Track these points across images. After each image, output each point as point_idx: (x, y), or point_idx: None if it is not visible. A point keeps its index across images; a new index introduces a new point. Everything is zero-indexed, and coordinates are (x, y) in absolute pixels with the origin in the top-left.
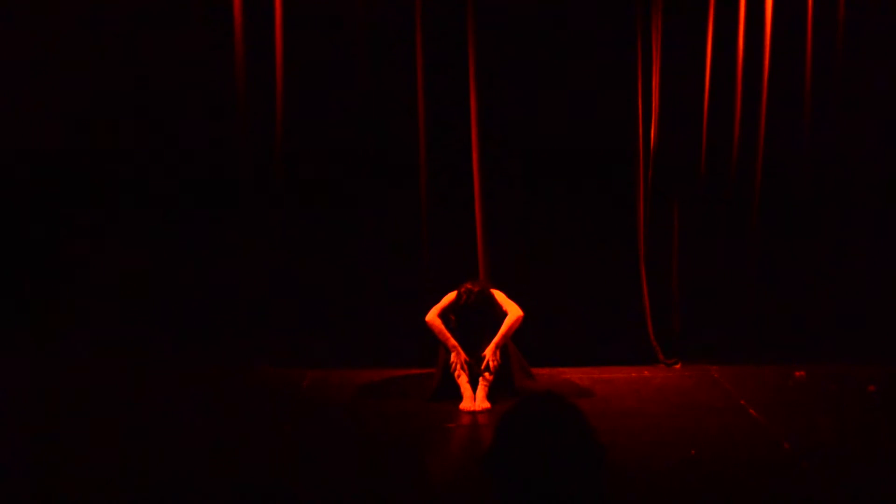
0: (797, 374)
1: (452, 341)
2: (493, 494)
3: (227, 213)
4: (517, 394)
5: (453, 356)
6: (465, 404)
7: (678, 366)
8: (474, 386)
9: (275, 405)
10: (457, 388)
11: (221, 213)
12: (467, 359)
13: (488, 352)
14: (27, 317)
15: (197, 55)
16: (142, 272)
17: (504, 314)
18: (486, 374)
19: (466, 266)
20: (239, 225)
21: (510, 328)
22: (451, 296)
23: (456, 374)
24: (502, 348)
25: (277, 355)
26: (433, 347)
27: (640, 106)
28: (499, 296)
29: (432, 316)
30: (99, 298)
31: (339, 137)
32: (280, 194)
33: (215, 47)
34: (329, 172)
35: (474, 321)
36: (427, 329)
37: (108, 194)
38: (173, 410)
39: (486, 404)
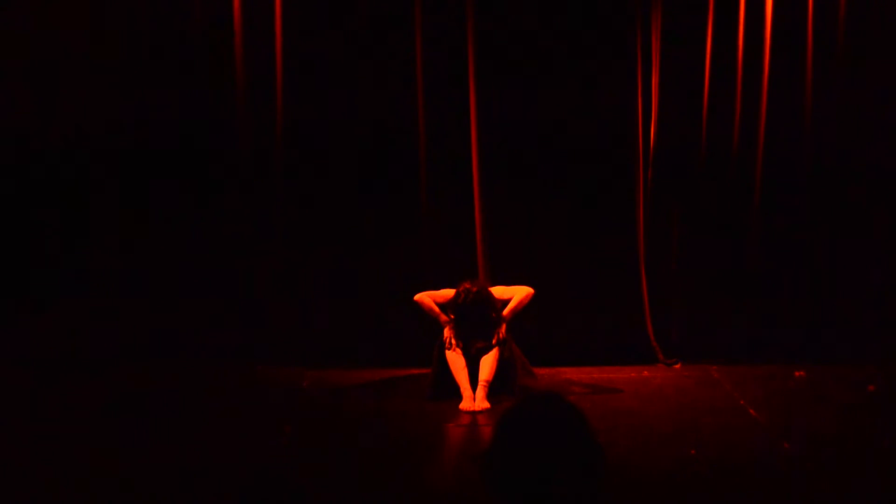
0: (797, 374)
1: (444, 316)
2: (492, 495)
3: (226, 211)
4: (517, 394)
5: (447, 331)
6: (465, 404)
7: (678, 366)
8: (474, 386)
9: (275, 405)
10: (456, 387)
11: (221, 212)
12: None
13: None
14: (23, 314)
15: (197, 55)
16: (141, 271)
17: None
18: (486, 356)
19: (466, 265)
20: (239, 224)
21: (520, 302)
22: (449, 292)
23: (452, 349)
24: (505, 347)
25: (277, 355)
26: (432, 347)
27: (640, 105)
28: (498, 290)
29: (421, 295)
30: (98, 297)
31: (338, 137)
32: (280, 193)
33: (215, 47)
34: (329, 171)
35: (472, 320)
36: (416, 308)
37: (106, 192)
38: (173, 410)
39: (486, 404)
